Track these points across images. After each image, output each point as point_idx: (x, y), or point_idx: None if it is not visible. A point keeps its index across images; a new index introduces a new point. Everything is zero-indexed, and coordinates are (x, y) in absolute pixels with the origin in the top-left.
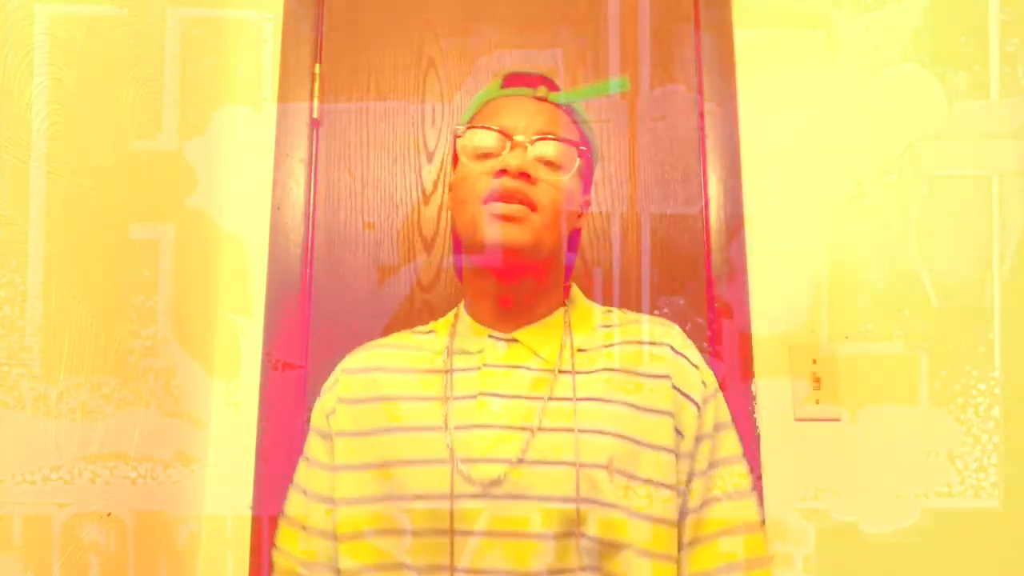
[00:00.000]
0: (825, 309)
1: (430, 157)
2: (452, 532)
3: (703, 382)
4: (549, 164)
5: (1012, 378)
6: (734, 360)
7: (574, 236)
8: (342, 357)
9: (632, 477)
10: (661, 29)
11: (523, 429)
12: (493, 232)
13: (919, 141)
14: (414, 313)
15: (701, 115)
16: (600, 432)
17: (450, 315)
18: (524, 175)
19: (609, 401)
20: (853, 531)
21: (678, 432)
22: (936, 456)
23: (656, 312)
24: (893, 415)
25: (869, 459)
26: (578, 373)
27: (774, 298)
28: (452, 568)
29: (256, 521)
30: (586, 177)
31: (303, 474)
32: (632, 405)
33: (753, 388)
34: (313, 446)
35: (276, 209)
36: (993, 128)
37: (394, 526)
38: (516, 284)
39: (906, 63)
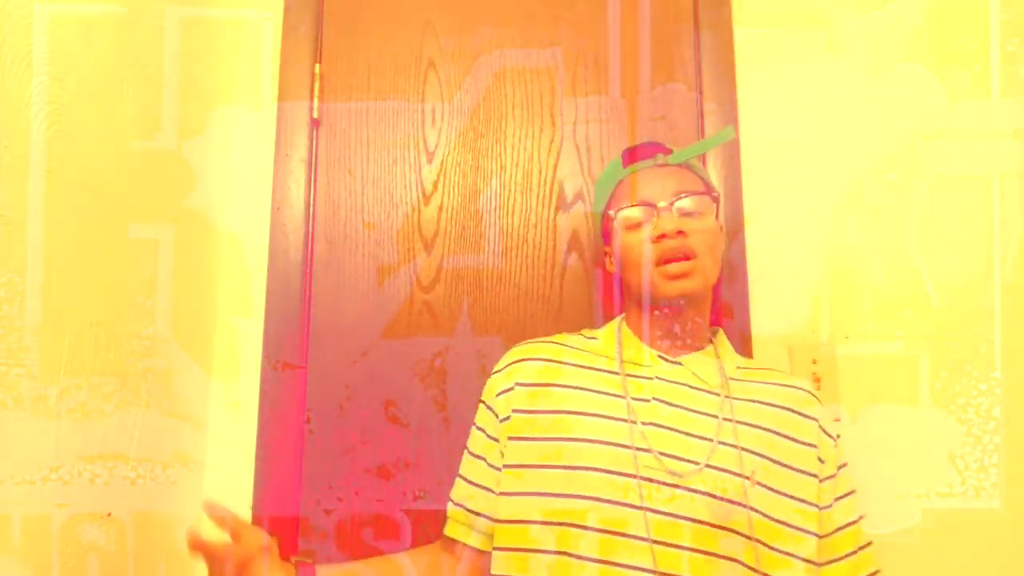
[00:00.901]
0: (825, 309)
1: (430, 157)
2: (642, 508)
3: (834, 421)
4: (691, 215)
5: (1013, 378)
6: None
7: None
8: (342, 357)
9: (771, 490)
10: (661, 29)
11: (700, 438)
12: (673, 288)
13: (919, 141)
14: (414, 313)
15: (701, 115)
16: (747, 451)
17: (611, 327)
18: (680, 233)
19: (757, 426)
20: None
21: (820, 461)
22: (937, 456)
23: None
24: (893, 415)
25: (869, 459)
26: (734, 399)
27: (774, 298)
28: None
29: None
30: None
31: (476, 442)
32: (779, 434)
33: None
34: (483, 419)
35: (276, 209)
36: (993, 128)
37: (569, 491)
38: (682, 316)
39: (906, 62)
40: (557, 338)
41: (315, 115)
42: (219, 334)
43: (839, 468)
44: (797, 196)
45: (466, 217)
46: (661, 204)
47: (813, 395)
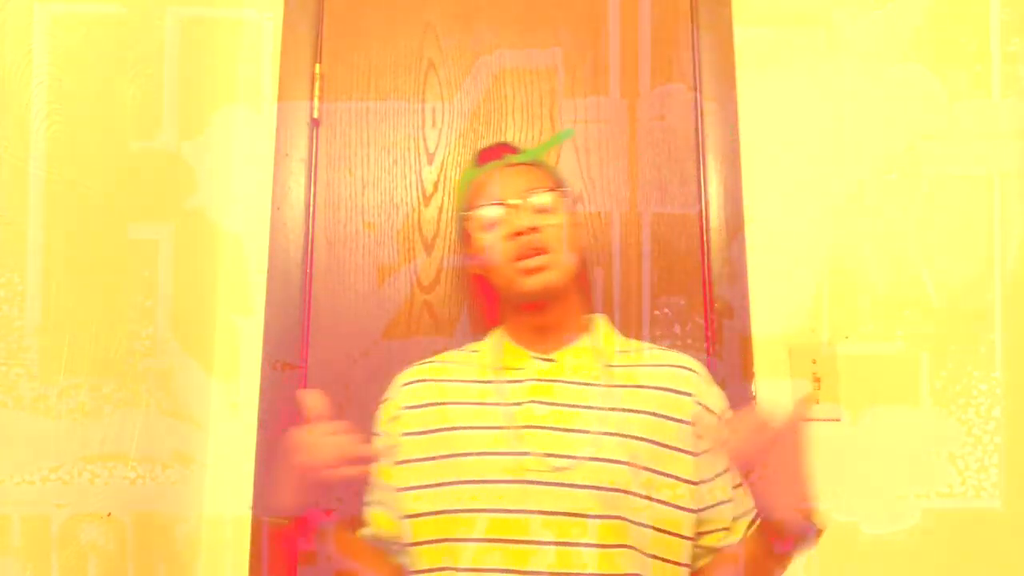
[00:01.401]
0: (825, 309)
1: (430, 158)
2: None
3: (718, 397)
4: (544, 211)
5: (1013, 378)
6: (734, 360)
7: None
8: (342, 357)
9: (655, 472)
10: (661, 29)
11: (579, 432)
12: (531, 283)
13: (919, 141)
14: (414, 314)
15: (701, 115)
16: (629, 437)
17: (492, 336)
18: (533, 229)
19: (638, 412)
20: (853, 531)
21: (697, 438)
22: (937, 456)
23: (656, 312)
24: (893, 415)
25: (869, 459)
26: (611, 386)
27: (774, 298)
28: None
29: (256, 522)
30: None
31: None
32: (657, 415)
33: (753, 388)
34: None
35: (276, 209)
36: (994, 128)
37: (457, 506)
38: (549, 312)
39: (906, 62)
40: (440, 356)
41: (315, 115)
42: (219, 334)
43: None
44: (797, 196)
45: None
46: (513, 202)
47: (691, 370)
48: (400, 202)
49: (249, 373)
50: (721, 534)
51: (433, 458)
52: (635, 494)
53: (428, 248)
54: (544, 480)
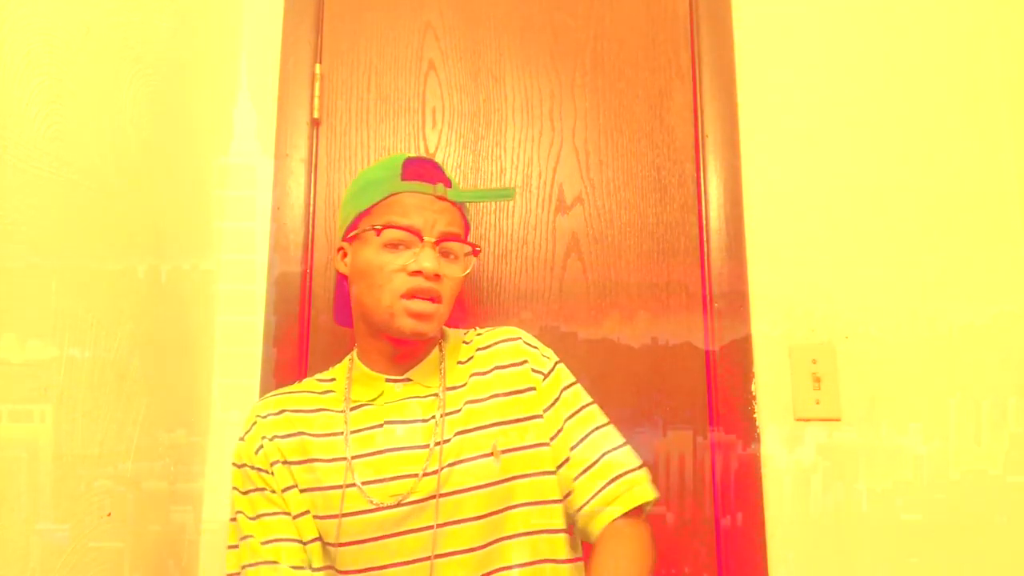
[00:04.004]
0: (825, 309)
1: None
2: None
3: (545, 356)
4: (448, 257)
5: (1013, 378)
6: (734, 360)
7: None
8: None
9: (518, 449)
10: (661, 29)
11: (424, 447)
12: (409, 324)
13: (920, 140)
14: None
15: (701, 115)
16: (482, 427)
17: (345, 362)
18: (436, 276)
19: (483, 400)
20: (853, 531)
21: (541, 401)
22: (937, 456)
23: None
24: (893, 415)
25: (869, 459)
26: (454, 388)
27: (774, 298)
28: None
29: None
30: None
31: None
32: (503, 394)
33: (753, 388)
34: (246, 480)
35: (276, 209)
36: (994, 128)
37: (327, 539)
38: (411, 346)
39: (906, 62)
40: (293, 387)
41: (315, 115)
42: (219, 334)
43: (562, 390)
44: (797, 196)
45: None
46: (428, 239)
47: (519, 339)
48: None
49: (249, 373)
50: (572, 498)
51: (306, 489)
52: (501, 482)
53: None
54: (416, 499)
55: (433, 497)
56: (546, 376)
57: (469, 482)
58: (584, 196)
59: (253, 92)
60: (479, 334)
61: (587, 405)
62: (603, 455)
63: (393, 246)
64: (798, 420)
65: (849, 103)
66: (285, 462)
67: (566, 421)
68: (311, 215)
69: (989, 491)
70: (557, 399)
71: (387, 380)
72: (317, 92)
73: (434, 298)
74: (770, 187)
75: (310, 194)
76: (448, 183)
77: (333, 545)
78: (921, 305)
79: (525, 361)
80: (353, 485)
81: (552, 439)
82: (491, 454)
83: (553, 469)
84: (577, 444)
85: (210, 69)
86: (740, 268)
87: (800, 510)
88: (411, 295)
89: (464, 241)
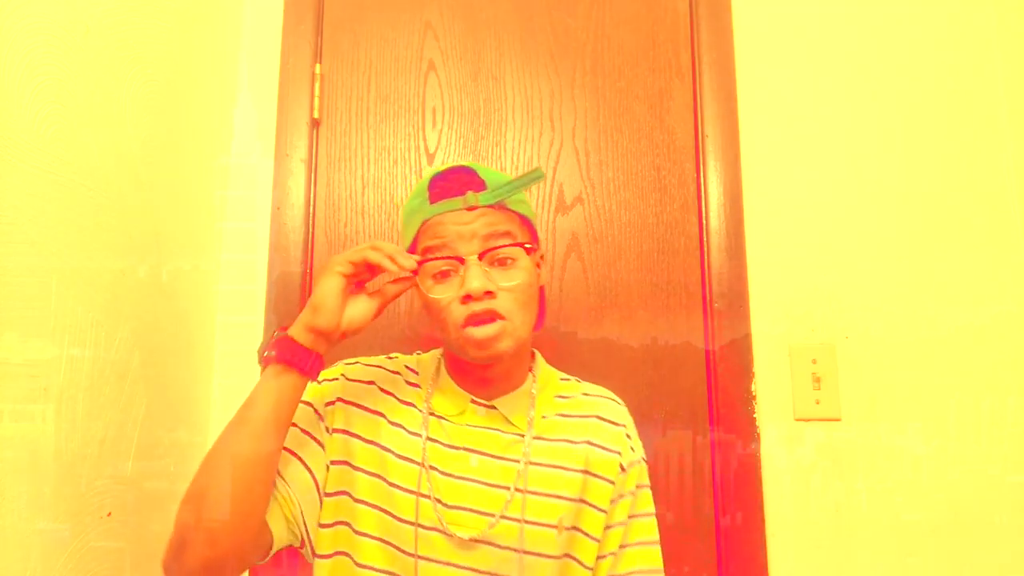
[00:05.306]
0: (825, 309)
1: (430, 159)
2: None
3: (632, 448)
4: (506, 264)
5: (1013, 378)
6: (734, 360)
7: (539, 292)
8: (342, 357)
9: (577, 530)
10: (661, 28)
11: (501, 487)
12: (480, 354)
13: (920, 140)
14: (413, 315)
15: (701, 115)
16: (558, 496)
17: (431, 362)
18: (487, 294)
19: (567, 469)
20: (853, 531)
21: (621, 469)
22: (937, 456)
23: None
24: (893, 415)
25: (869, 459)
26: (542, 439)
27: (774, 298)
28: None
29: None
30: (534, 237)
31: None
32: (586, 472)
33: (753, 388)
34: (305, 418)
35: (276, 209)
36: (995, 127)
37: (362, 529)
38: (495, 369)
39: (907, 62)
40: (385, 363)
41: (315, 115)
42: (219, 334)
43: (639, 487)
44: (797, 196)
45: None
46: (470, 259)
47: (619, 403)
48: (400, 202)
49: (249, 373)
50: None
51: (360, 470)
52: (551, 557)
53: None
54: (498, 543)
55: (514, 550)
56: (639, 461)
57: (520, 544)
58: (584, 196)
59: (253, 92)
60: (584, 394)
61: (651, 515)
62: (647, 572)
63: (442, 275)
64: (798, 420)
65: (849, 103)
66: (347, 432)
67: (631, 519)
68: (311, 215)
69: (989, 491)
70: (634, 493)
71: (472, 401)
72: (317, 92)
73: (492, 318)
74: (770, 187)
75: (310, 194)
76: (480, 186)
77: (406, 553)
78: (921, 305)
79: (622, 425)
80: (428, 496)
81: (610, 518)
82: (555, 526)
83: (590, 565)
84: (631, 546)
85: (210, 69)
86: (740, 268)
87: (800, 510)
88: (468, 323)
89: (515, 242)
